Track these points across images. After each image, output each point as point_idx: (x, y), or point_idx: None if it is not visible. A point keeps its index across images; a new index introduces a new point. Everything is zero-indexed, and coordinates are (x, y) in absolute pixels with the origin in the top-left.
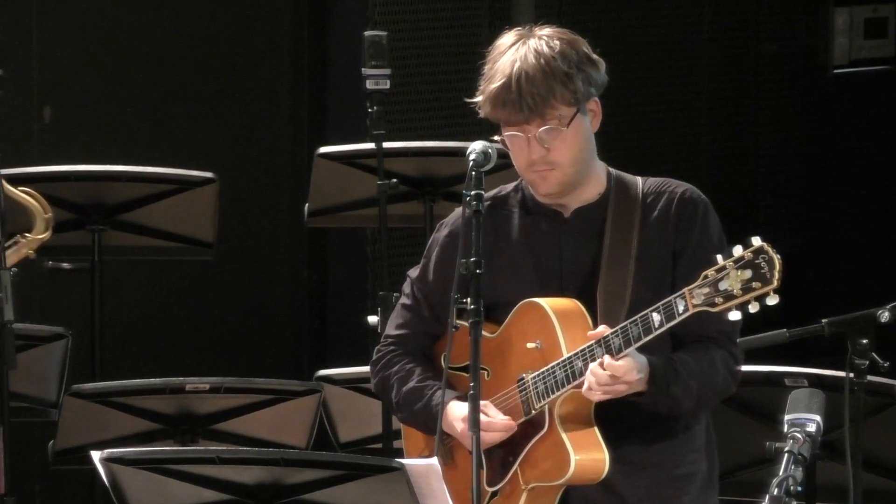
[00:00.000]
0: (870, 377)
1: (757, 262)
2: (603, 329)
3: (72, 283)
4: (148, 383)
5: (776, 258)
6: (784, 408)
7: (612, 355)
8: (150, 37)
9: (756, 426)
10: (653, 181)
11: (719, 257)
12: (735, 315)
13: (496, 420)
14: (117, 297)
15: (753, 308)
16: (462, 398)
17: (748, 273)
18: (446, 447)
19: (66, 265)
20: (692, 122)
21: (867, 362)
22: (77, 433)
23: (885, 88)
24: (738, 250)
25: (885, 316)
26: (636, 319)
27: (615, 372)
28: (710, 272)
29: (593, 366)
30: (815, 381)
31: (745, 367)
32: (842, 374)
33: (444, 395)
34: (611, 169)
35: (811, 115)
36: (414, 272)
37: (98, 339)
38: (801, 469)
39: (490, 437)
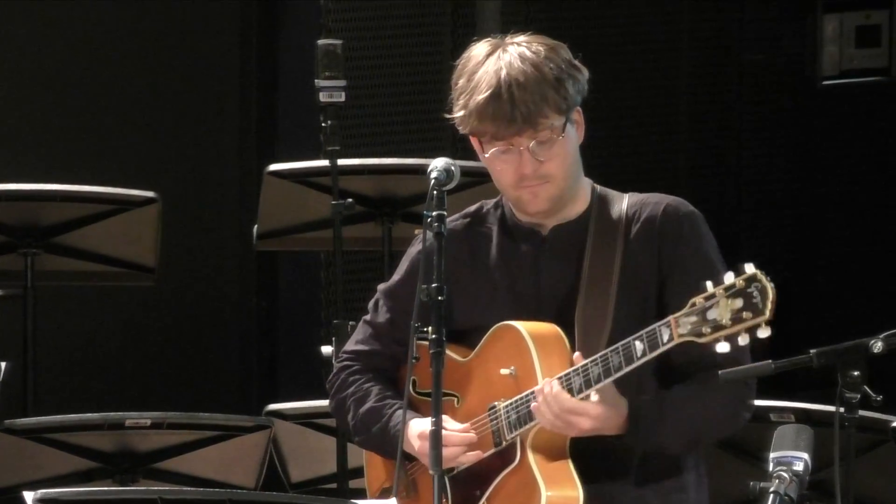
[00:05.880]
0: (861, 412)
1: (749, 290)
2: (577, 356)
3: (2, 311)
4: (85, 419)
5: (769, 287)
6: (769, 445)
7: (590, 385)
8: (86, 46)
9: (739, 465)
10: (638, 196)
11: (709, 284)
12: (723, 347)
13: (453, 433)
14: (52, 325)
15: (743, 340)
16: (421, 416)
17: (739, 302)
18: (409, 477)
19: None
20: (671, 137)
21: (858, 396)
22: (9, 472)
23: (877, 101)
24: (729, 277)
25: (877, 346)
26: (617, 348)
27: (570, 407)
28: (699, 300)
29: (545, 386)
30: (803, 416)
31: None
32: (831, 408)
33: (403, 432)
34: (596, 185)
35: (798, 129)
36: (384, 286)
37: (31, 371)
38: None
39: (449, 453)
